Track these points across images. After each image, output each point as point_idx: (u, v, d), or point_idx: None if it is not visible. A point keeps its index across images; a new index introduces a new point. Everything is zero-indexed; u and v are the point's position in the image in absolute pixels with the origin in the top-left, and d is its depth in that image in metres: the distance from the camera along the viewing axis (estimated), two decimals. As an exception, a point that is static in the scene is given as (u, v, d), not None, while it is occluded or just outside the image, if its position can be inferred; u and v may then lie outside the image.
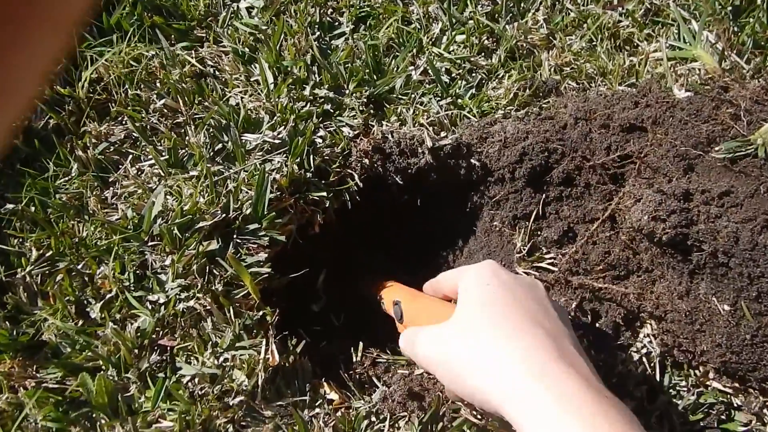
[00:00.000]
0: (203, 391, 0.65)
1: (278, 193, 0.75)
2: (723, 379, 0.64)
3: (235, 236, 0.72)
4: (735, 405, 0.66)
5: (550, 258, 0.73)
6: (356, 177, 0.78)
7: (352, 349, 0.72)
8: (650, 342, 0.69)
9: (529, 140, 0.74)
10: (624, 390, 0.66)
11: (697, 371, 0.67)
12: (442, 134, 0.79)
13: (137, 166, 0.75)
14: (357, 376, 0.70)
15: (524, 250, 0.74)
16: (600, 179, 0.72)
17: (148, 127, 0.78)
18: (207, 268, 0.70)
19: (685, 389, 0.67)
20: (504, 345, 0.49)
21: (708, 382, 0.66)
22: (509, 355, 0.48)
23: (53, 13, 0.18)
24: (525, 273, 0.73)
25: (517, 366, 0.47)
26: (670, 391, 0.67)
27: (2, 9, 0.16)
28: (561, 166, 0.73)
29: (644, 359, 0.68)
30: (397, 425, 0.66)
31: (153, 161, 0.73)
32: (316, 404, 0.67)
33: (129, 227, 0.69)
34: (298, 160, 0.76)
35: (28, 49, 0.17)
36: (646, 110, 0.70)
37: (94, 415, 0.64)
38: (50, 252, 0.67)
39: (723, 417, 0.66)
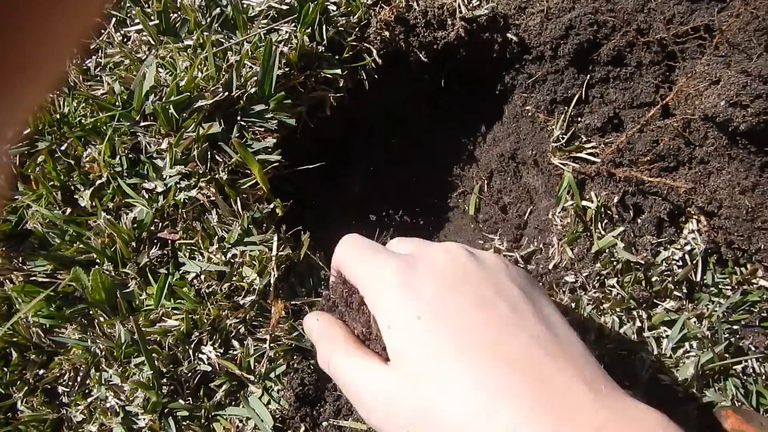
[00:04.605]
0: (210, 290, 0.59)
1: (286, 69, 0.65)
2: (773, 277, 0.60)
3: (239, 118, 0.63)
4: (781, 303, 0.62)
5: (591, 147, 0.66)
6: (374, 52, 0.68)
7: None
8: (695, 239, 0.63)
9: (576, 11, 0.64)
10: (664, 289, 0.62)
11: (743, 269, 0.63)
12: (474, 3, 0.68)
13: (122, 32, 0.64)
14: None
15: (563, 138, 0.66)
16: (654, 58, 0.63)
17: (132, -15, 0.66)
18: (209, 153, 0.62)
19: (729, 287, 0.63)
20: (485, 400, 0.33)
21: (755, 280, 0.62)
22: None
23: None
24: (561, 164, 0.67)
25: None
26: (712, 288, 0.63)
27: None
28: (611, 42, 0.64)
29: (687, 257, 0.63)
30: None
31: (141, 26, 0.62)
32: (334, 303, 0.61)
33: (117, 104, 0.60)
34: (309, 30, 0.66)
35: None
36: (717, -25, 0.60)
37: (91, 312, 0.58)
38: (28, 129, 0.57)
39: (765, 314, 0.63)
